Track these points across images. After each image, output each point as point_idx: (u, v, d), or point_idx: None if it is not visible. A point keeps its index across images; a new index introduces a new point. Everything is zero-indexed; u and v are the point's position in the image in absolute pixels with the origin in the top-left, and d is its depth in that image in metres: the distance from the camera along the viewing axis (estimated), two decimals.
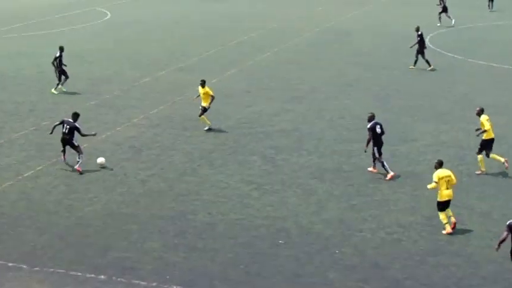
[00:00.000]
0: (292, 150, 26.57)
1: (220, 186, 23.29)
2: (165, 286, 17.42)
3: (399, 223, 20.69)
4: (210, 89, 29.14)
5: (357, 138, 26.82)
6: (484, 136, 24.17)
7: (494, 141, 24.31)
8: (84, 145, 25.63)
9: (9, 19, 54.03)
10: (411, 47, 39.04)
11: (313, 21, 54.02)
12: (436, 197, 20.22)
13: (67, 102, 32.49)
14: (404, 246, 19.39)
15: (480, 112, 24.40)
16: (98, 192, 22.81)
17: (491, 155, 24.27)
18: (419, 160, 25.47)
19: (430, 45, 44.16)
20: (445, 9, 51.70)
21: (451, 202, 20.12)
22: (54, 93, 33.95)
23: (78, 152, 24.71)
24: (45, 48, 35.24)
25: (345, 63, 40.63)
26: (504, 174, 24.24)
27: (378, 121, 24.30)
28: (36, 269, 18.14)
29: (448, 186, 20.00)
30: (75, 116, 25.21)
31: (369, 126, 24.20)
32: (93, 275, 17.82)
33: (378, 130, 24.11)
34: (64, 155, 25.00)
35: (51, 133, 25.54)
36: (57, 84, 34.03)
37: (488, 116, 24.60)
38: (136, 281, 17.59)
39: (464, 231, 20.17)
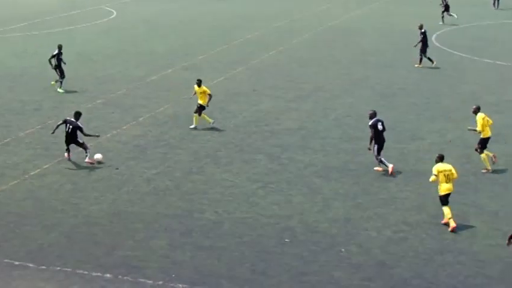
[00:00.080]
0: (298, 149, 26.57)
1: (226, 185, 23.30)
2: (171, 285, 17.43)
3: (405, 221, 20.67)
4: (207, 87, 29.20)
5: (363, 137, 26.79)
6: (482, 135, 24.20)
7: (502, 140, 24.27)
8: (90, 144, 25.68)
9: (15, 18, 54.14)
10: (415, 45, 39.01)
11: (318, 19, 53.99)
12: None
13: (73, 101, 32.55)
14: (410, 244, 19.36)
15: (476, 110, 24.42)
16: (104, 191, 22.85)
17: (485, 152, 24.35)
18: (426, 158, 25.40)
19: (437, 44, 44.17)
20: (447, 8, 51.68)
21: (458, 201, 20.08)
22: (60, 91, 33.99)
23: (84, 148, 24.87)
24: (51, 47, 35.32)
25: (350, 62, 40.60)
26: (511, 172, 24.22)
27: (380, 118, 24.35)
28: (43, 267, 18.17)
29: (448, 180, 20.20)
30: (77, 115, 25.29)
31: (370, 123, 24.24)
32: (99, 274, 17.84)
33: (380, 127, 24.13)
34: (69, 154, 25.10)
35: (53, 133, 25.61)
36: (61, 82, 34.07)
37: (487, 115, 24.58)
38: (143, 280, 17.60)
39: (470, 230, 20.14)
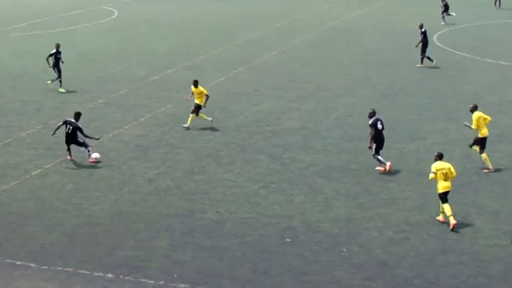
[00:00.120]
0: (299, 149, 26.57)
1: (228, 185, 23.30)
2: (173, 285, 17.43)
3: (407, 221, 20.66)
4: (204, 88, 29.21)
5: (364, 137, 26.76)
6: (480, 134, 24.21)
7: (505, 140, 24.26)
8: (92, 144, 25.66)
9: (16, 18, 54.17)
10: (416, 45, 39.01)
11: (319, 19, 53.99)
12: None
13: (74, 100, 32.57)
14: (412, 244, 19.34)
15: (473, 109, 24.45)
16: (106, 191, 22.85)
17: (473, 147, 24.40)
18: (428, 159, 25.31)
19: (438, 44, 44.15)
20: (446, 8, 51.70)
21: (458, 201, 20.06)
22: (61, 91, 34.01)
23: (85, 146, 24.90)
24: (52, 48, 35.36)
25: (352, 62, 40.59)
26: None
27: (379, 117, 24.36)
28: (44, 267, 18.18)
29: (446, 179, 20.26)
30: (77, 115, 25.29)
31: (370, 122, 24.27)
32: (101, 274, 17.84)
33: (379, 126, 24.15)
34: (70, 154, 25.09)
35: (53, 134, 25.59)
36: (60, 82, 34.09)
37: (487, 114, 24.58)
38: (144, 280, 17.60)
39: (472, 230, 20.12)
